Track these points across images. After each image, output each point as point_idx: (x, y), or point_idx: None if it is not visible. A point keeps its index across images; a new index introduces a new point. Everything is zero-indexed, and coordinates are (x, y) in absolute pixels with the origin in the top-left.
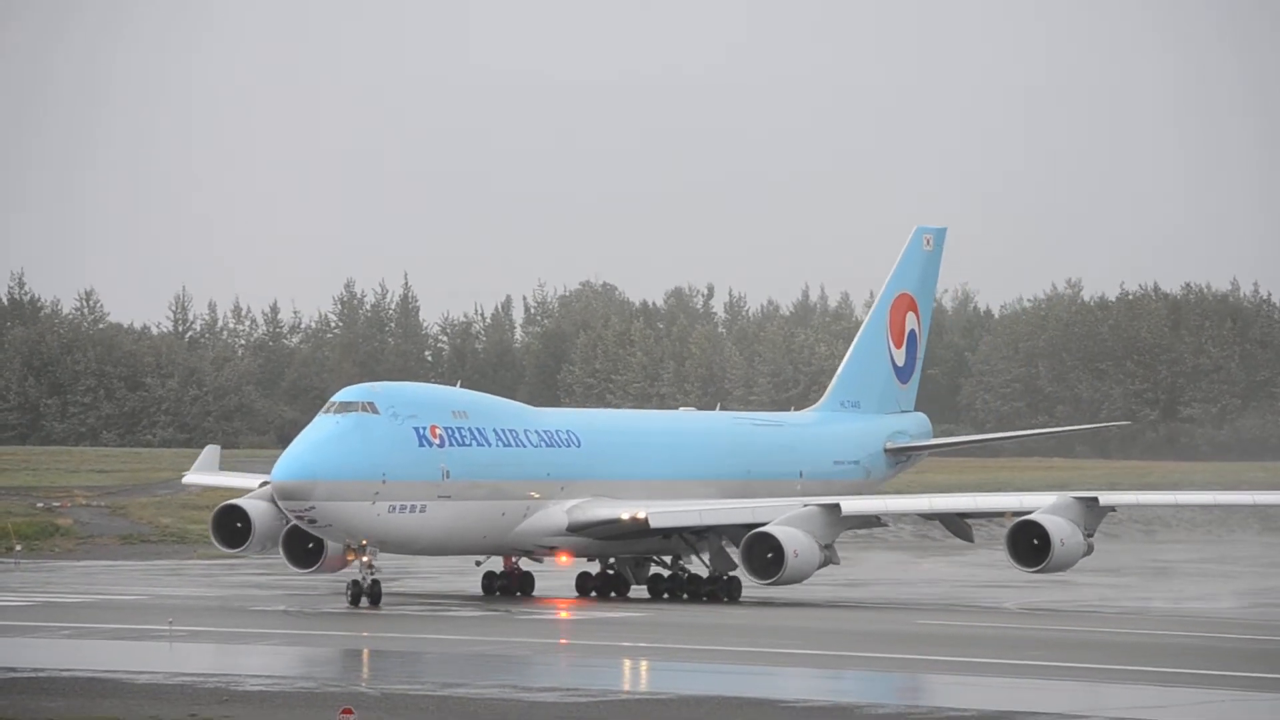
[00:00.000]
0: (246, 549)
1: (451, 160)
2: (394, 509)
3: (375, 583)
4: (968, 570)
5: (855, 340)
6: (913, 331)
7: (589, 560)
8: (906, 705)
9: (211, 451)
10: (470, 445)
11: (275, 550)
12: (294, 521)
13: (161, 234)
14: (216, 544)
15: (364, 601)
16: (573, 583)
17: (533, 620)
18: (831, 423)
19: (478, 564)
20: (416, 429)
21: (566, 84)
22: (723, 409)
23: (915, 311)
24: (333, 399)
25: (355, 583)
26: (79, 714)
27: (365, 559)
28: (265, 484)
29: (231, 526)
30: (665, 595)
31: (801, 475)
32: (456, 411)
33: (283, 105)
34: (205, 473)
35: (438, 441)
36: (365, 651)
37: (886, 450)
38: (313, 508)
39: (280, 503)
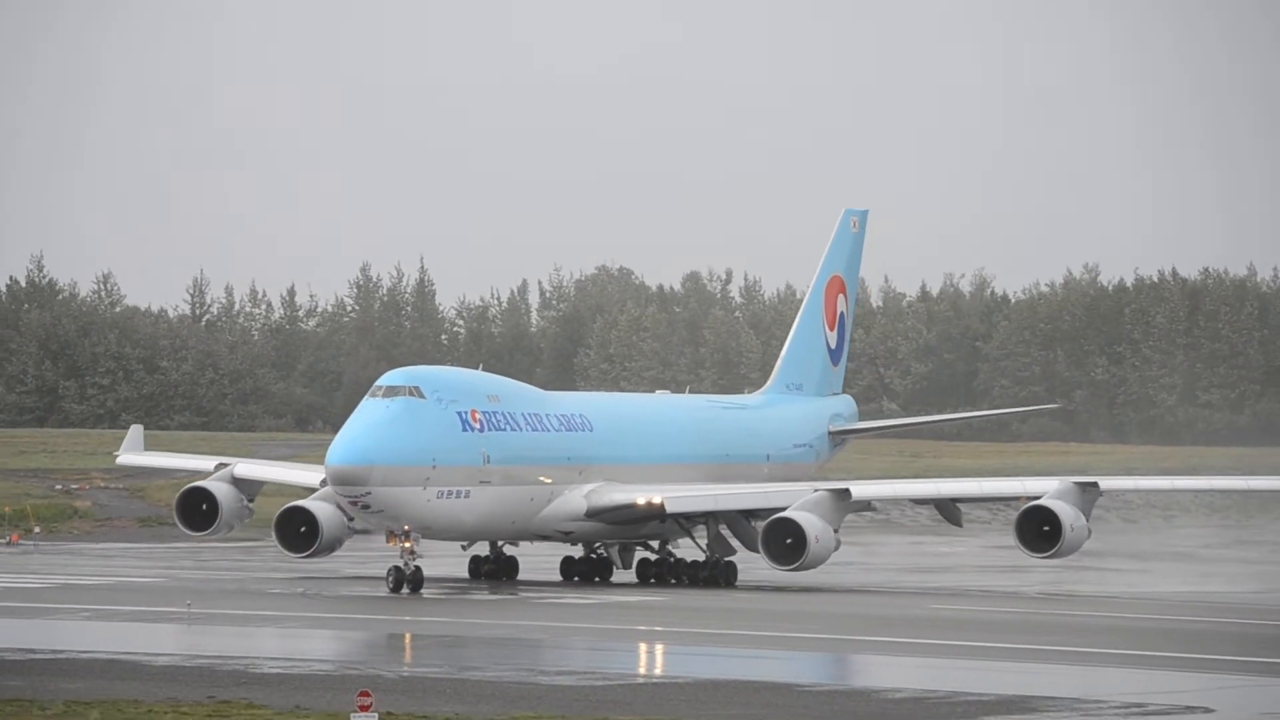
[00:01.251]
0: (214, 532)
1: (467, 145)
2: (442, 494)
3: (418, 569)
4: (975, 554)
5: (796, 322)
6: (842, 314)
7: (571, 545)
8: (924, 689)
9: (136, 431)
10: (505, 430)
11: (237, 532)
12: (345, 508)
13: (179, 217)
14: (181, 527)
15: (404, 589)
16: (556, 566)
17: (550, 605)
18: (784, 405)
19: (464, 548)
20: (459, 414)
21: (583, 72)
22: (691, 392)
23: (844, 294)
24: (378, 383)
25: (397, 569)
26: (98, 695)
27: (407, 544)
28: (222, 466)
29: (197, 509)
30: (652, 580)
31: (769, 459)
32: (490, 396)
33: (302, 90)
34: (143, 453)
35: (478, 426)
36: (389, 634)
37: (830, 433)
38: (368, 493)
39: (335, 488)
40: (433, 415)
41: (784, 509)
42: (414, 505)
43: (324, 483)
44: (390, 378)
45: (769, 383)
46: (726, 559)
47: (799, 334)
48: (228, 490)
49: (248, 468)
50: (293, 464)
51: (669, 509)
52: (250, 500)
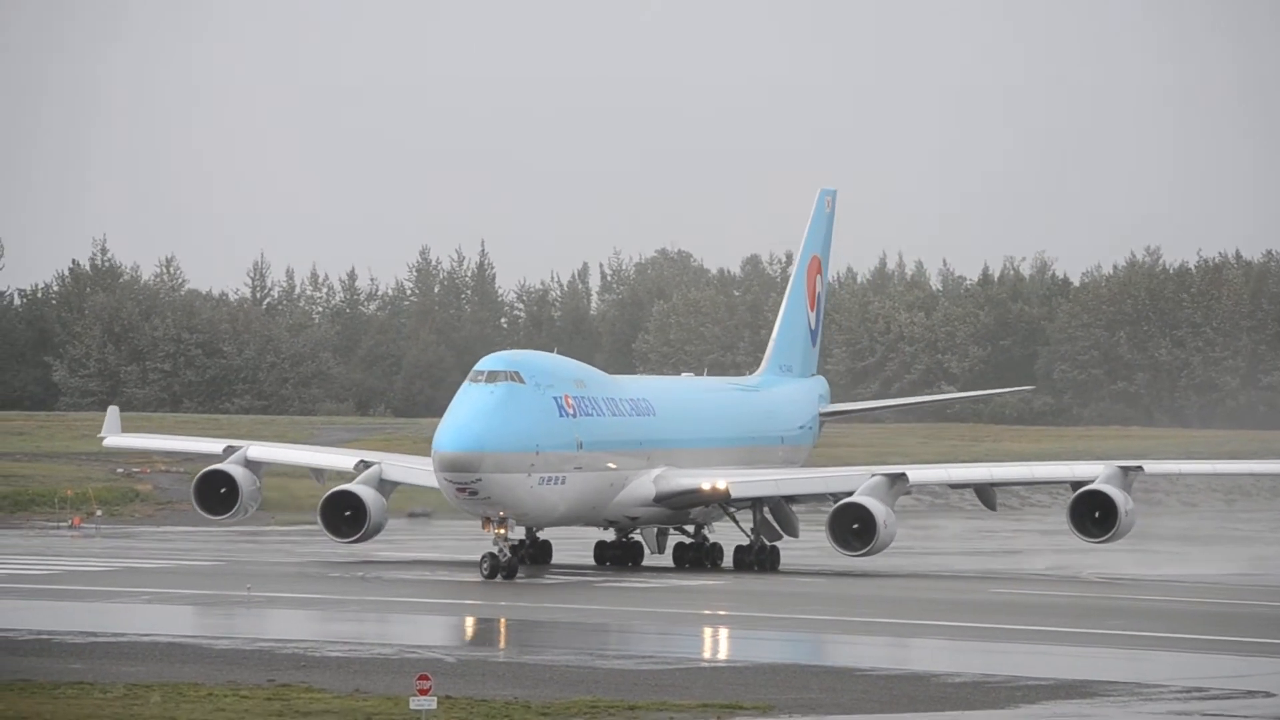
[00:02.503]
0: (233, 515)
1: (527, 129)
2: (543, 481)
3: (512, 558)
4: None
5: (785, 303)
6: (819, 294)
7: (602, 529)
8: (983, 674)
9: (113, 413)
10: (593, 415)
11: (254, 515)
12: (454, 493)
13: (241, 201)
14: (199, 510)
15: (499, 576)
16: (590, 551)
17: (613, 589)
18: (783, 386)
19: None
20: (555, 399)
21: (643, 53)
22: (709, 374)
23: (821, 274)
24: (479, 368)
25: (493, 556)
26: (159, 678)
27: (501, 531)
28: (231, 449)
29: (214, 492)
30: (687, 565)
31: (782, 440)
32: (577, 381)
33: (365, 78)
34: (121, 435)
35: (571, 412)
36: (453, 619)
37: (820, 414)
38: (479, 479)
39: (444, 474)
40: (533, 401)
41: (847, 494)
42: (519, 492)
43: (359, 466)
44: (490, 362)
45: (764, 364)
46: (771, 543)
47: (788, 315)
48: (244, 473)
49: (261, 450)
50: (308, 446)
51: (734, 494)
52: (259, 483)
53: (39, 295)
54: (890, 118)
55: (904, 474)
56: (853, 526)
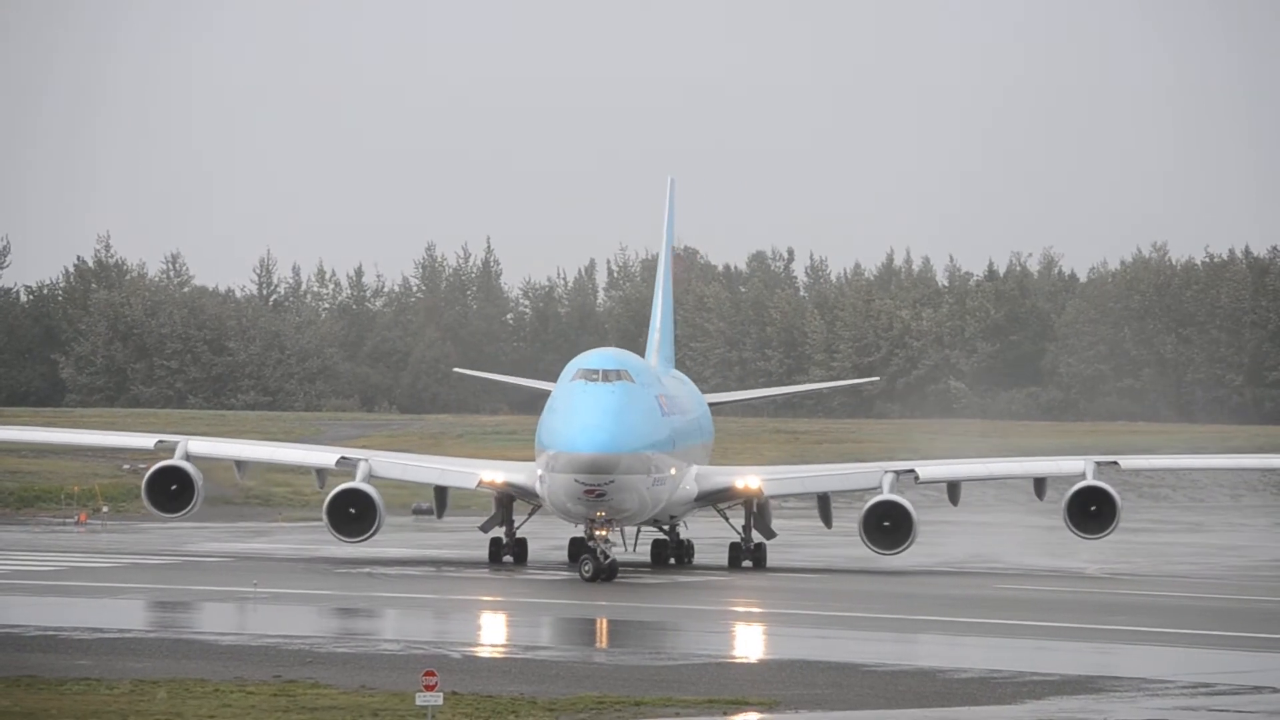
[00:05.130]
0: (188, 513)
1: (532, 128)
2: (655, 482)
3: (614, 560)
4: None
5: (662, 296)
6: (669, 286)
7: (638, 529)
8: (988, 670)
9: None
10: (674, 415)
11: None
12: (579, 495)
13: (247, 198)
14: (150, 508)
15: (599, 577)
16: (564, 549)
17: (620, 586)
18: (687, 383)
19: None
20: (655, 398)
21: (647, 52)
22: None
23: (672, 265)
24: (590, 366)
25: (595, 558)
26: (165, 675)
27: (603, 533)
28: (163, 443)
29: (165, 489)
30: (671, 561)
31: (712, 435)
32: (659, 379)
33: (371, 75)
34: (31, 429)
35: (665, 411)
36: (458, 615)
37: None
38: (613, 481)
39: (577, 476)
40: (644, 400)
41: (869, 490)
42: (641, 492)
43: (339, 462)
44: (600, 360)
45: (656, 358)
46: (759, 541)
47: (665, 308)
48: (196, 470)
49: (203, 445)
50: (252, 440)
51: (766, 491)
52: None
53: (45, 292)
54: (896, 115)
55: (913, 470)
56: (883, 524)
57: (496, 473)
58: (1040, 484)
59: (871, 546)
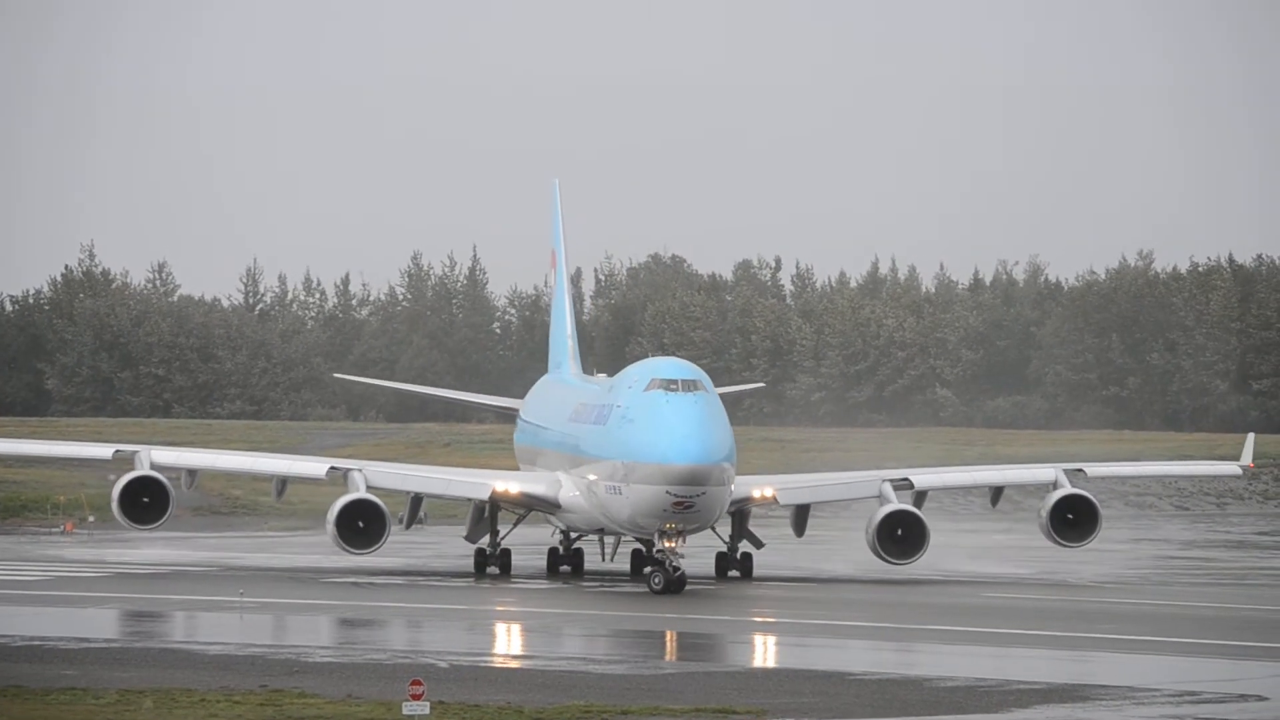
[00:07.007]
0: (161, 524)
1: (518, 133)
2: (729, 493)
3: (683, 572)
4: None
5: (568, 301)
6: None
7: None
8: (975, 678)
9: None
10: (730, 425)
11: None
12: (669, 505)
13: (233, 206)
14: (123, 520)
15: (668, 590)
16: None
17: (616, 595)
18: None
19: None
20: (723, 408)
21: (637, 55)
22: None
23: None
24: (668, 375)
25: (664, 570)
26: (151, 684)
27: (670, 544)
28: (120, 452)
29: (137, 501)
30: (647, 569)
31: None
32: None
33: (353, 82)
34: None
35: (728, 420)
36: (447, 624)
37: None
38: (704, 493)
39: (673, 488)
40: (721, 411)
41: (872, 498)
42: (723, 502)
43: (329, 472)
44: (677, 370)
45: (573, 364)
46: (745, 551)
47: (570, 313)
48: (166, 480)
49: (166, 454)
50: (215, 450)
51: (781, 500)
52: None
53: (30, 301)
54: (884, 118)
55: (908, 479)
56: (896, 533)
57: (510, 483)
58: (997, 492)
59: (884, 557)
